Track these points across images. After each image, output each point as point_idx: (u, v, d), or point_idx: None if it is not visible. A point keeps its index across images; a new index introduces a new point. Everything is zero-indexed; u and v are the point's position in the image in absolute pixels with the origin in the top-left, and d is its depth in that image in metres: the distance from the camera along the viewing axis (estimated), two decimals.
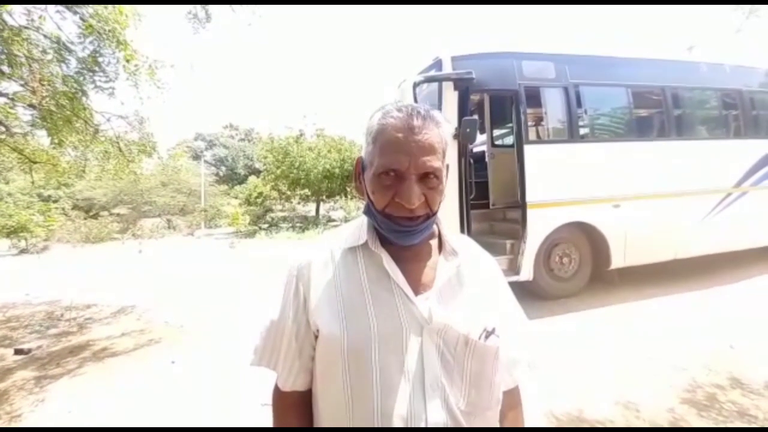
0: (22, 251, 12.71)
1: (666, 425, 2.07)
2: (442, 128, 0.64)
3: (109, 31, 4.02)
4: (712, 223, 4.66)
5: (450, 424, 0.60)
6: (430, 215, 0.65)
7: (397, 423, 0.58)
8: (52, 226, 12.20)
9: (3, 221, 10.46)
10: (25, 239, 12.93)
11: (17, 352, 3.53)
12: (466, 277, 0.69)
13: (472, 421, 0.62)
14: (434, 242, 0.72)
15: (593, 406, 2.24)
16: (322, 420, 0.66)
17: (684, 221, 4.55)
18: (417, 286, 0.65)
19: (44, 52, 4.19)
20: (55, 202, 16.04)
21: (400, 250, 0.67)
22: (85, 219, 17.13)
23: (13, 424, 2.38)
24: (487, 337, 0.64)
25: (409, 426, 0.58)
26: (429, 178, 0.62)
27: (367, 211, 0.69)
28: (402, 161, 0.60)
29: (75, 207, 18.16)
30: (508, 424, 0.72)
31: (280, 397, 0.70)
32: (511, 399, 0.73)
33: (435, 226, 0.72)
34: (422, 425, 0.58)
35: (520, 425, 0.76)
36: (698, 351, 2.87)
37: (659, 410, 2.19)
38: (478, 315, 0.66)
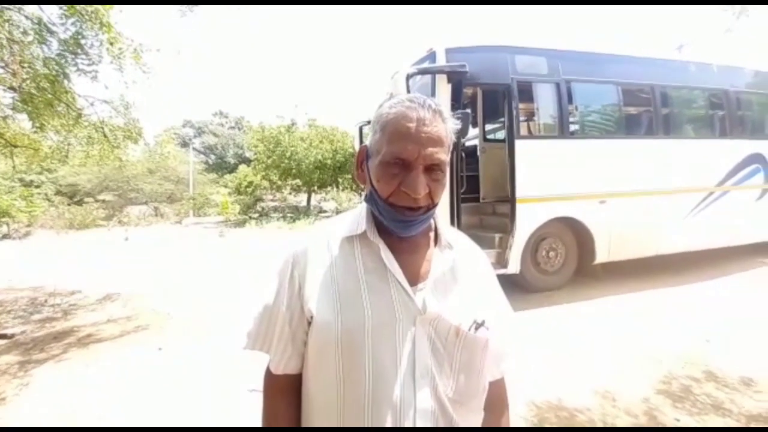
0: (5, 236, 12.40)
1: (641, 414, 2.15)
2: (448, 124, 0.65)
3: (92, 12, 3.88)
4: (694, 220, 4.78)
5: (438, 411, 0.62)
6: (432, 207, 0.66)
7: (387, 408, 0.60)
8: (35, 212, 11.91)
9: None
10: (7, 224, 12.61)
11: (0, 336, 3.47)
12: (460, 271, 0.71)
13: (458, 409, 0.64)
14: (430, 235, 0.74)
15: (572, 394, 2.32)
16: (312, 403, 0.67)
17: (667, 218, 4.66)
18: (412, 277, 0.66)
19: (25, 33, 4.04)
20: (37, 187, 15.56)
21: (397, 241, 0.68)
22: (69, 205, 16.74)
23: None
24: (476, 329, 0.66)
25: (398, 411, 0.60)
26: (434, 170, 0.63)
27: (370, 199, 0.69)
28: (411, 151, 0.61)
29: (58, 192, 17.68)
30: (493, 414, 0.74)
31: (271, 380, 0.72)
32: (497, 389, 0.76)
33: (432, 219, 0.73)
34: (411, 411, 0.60)
35: (504, 415, 0.78)
36: (675, 344, 2.97)
37: (635, 400, 2.27)
38: (469, 307, 0.67)
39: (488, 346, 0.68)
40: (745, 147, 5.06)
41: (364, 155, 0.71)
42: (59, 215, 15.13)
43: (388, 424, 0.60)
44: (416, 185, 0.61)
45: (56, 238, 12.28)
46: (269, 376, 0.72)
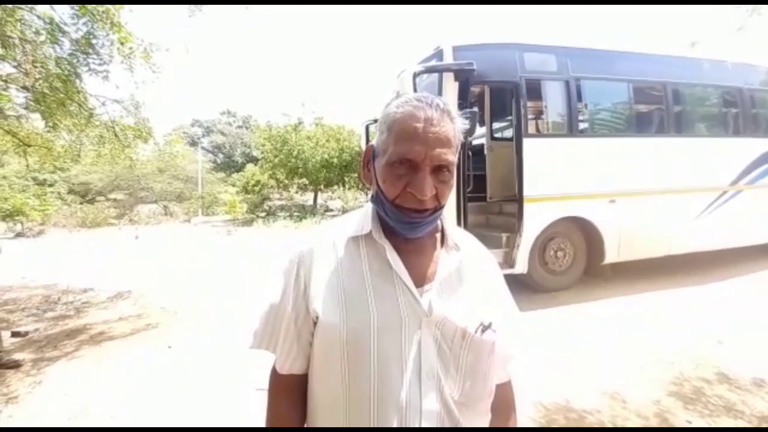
0: (18, 235, 12.67)
1: (652, 416, 2.12)
2: (457, 124, 0.64)
3: (103, 12, 3.93)
4: (706, 220, 4.69)
5: (443, 413, 0.62)
6: (438, 208, 0.65)
7: (393, 410, 0.60)
8: (48, 210, 12.14)
9: None
10: (21, 223, 12.87)
11: (14, 334, 3.54)
12: (467, 272, 0.70)
13: (464, 412, 0.64)
14: (437, 236, 0.73)
15: (581, 396, 2.29)
16: (317, 404, 0.67)
17: (678, 218, 4.58)
18: (418, 279, 0.66)
19: (37, 32, 4.10)
20: (50, 186, 15.88)
21: (402, 242, 0.68)
22: (81, 204, 17.05)
23: (10, 406, 2.41)
24: (483, 331, 0.65)
25: (404, 413, 0.60)
26: (442, 171, 0.62)
27: (375, 200, 0.69)
28: (418, 152, 0.60)
29: (71, 191, 18.01)
30: (500, 417, 0.73)
31: (276, 380, 0.72)
32: (504, 392, 0.75)
33: (439, 220, 0.72)
34: (417, 413, 0.60)
35: (511, 418, 0.77)
36: (687, 345, 2.92)
37: (645, 402, 2.24)
38: (476, 309, 0.67)
39: (494, 349, 0.67)
40: (758, 146, 4.95)
41: (370, 155, 0.70)
42: (72, 214, 15.43)
43: (394, 426, 0.60)
44: (423, 187, 0.60)
45: (69, 237, 12.51)
46: (275, 375, 0.72)
